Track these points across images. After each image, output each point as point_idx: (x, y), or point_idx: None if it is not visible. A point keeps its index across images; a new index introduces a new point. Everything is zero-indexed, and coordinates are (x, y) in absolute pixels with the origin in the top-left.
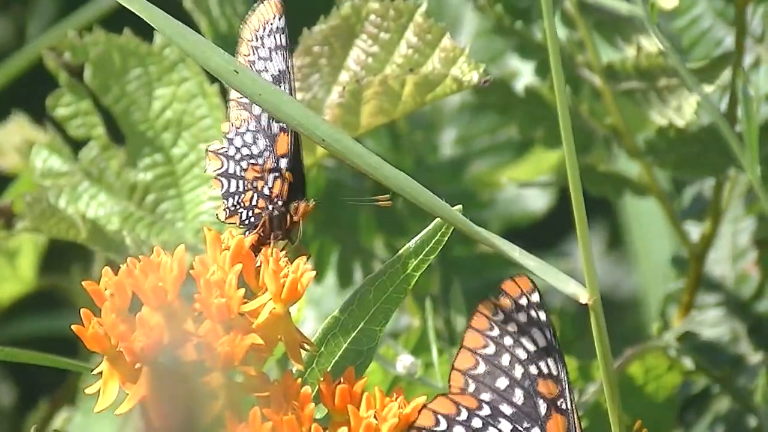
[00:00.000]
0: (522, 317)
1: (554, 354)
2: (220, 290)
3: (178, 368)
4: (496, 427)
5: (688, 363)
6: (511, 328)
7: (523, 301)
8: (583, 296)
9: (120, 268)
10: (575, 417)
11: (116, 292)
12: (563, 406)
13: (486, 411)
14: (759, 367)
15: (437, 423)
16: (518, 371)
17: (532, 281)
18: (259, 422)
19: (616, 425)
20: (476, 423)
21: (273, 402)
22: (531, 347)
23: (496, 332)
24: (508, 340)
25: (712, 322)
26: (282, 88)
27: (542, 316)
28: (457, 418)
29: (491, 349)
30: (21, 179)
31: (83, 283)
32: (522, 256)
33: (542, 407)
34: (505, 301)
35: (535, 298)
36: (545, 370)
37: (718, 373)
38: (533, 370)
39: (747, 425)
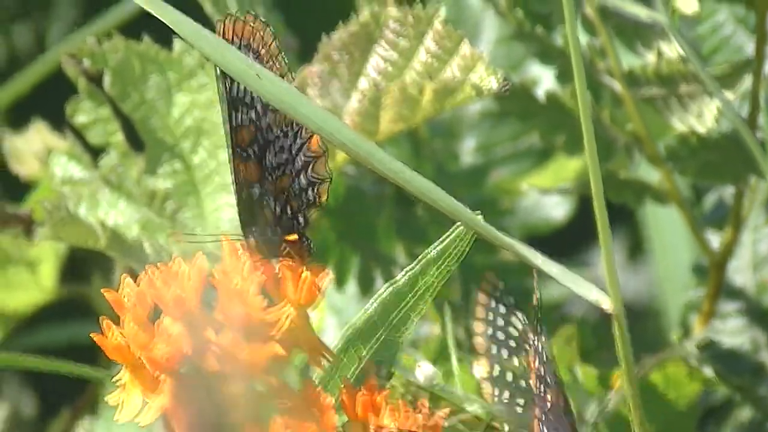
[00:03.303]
0: (501, 309)
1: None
2: (241, 299)
3: (199, 378)
4: None
5: (708, 372)
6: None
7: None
8: (606, 304)
9: (140, 276)
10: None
11: (137, 301)
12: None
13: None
14: None
15: None
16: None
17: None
18: (281, 431)
19: None
20: None
21: (294, 411)
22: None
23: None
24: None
25: (732, 331)
26: None
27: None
28: None
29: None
30: (40, 186)
31: (104, 292)
32: (544, 264)
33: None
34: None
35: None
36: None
37: (738, 382)
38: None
39: None
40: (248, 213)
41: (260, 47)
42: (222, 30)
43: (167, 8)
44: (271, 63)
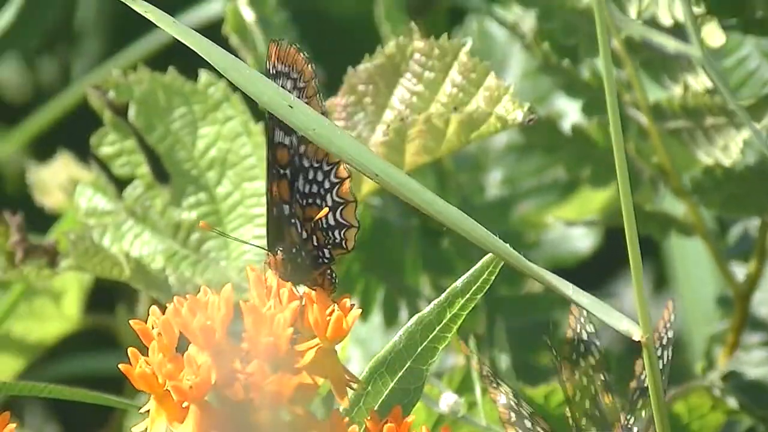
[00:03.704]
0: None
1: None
2: (268, 329)
3: (226, 407)
4: None
5: (732, 402)
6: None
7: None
8: (636, 334)
9: (165, 306)
10: None
11: (164, 331)
12: None
13: None
14: None
15: None
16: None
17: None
18: None
19: None
20: None
21: None
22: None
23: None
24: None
25: (757, 362)
26: None
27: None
28: None
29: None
30: (65, 218)
31: (131, 322)
32: (575, 294)
33: None
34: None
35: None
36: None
37: (762, 413)
38: None
39: None
40: (276, 230)
41: (297, 72)
42: (269, 53)
43: (199, 38)
44: (305, 86)
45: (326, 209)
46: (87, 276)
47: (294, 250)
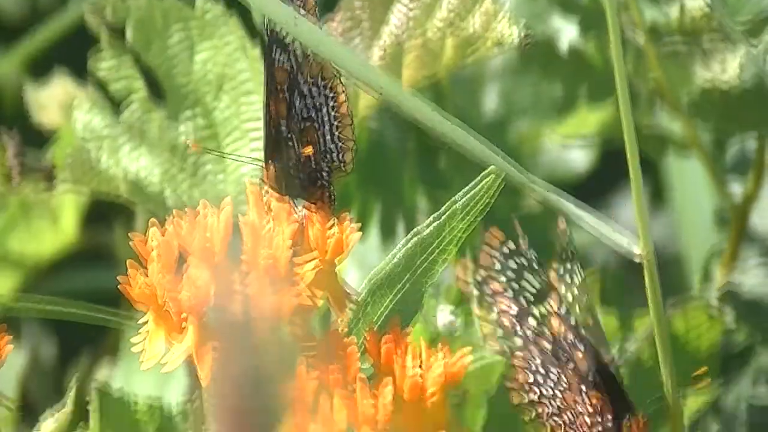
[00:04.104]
0: (512, 263)
1: (551, 294)
2: (269, 245)
3: (224, 325)
4: (550, 368)
5: (730, 318)
6: (511, 274)
7: (506, 250)
8: (637, 251)
9: (163, 224)
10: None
11: (162, 248)
12: (575, 341)
13: (536, 353)
14: None
15: (528, 377)
16: (535, 311)
17: (503, 232)
18: (306, 378)
19: (668, 379)
20: (541, 369)
21: (319, 358)
22: (531, 290)
23: (505, 277)
24: (515, 284)
25: (754, 279)
26: None
27: (524, 261)
28: (532, 367)
29: (510, 292)
30: (62, 136)
31: (130, 239)
32: (576, 211)
33: (565, 342)
34: (490, 252)
35: (512, 245)
36: (551, 310)
37: (760, 327)
38: (542, 310)
39: None
40: (272, 147)
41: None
42: None
43: None
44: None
45: (310, 148)
46: (84, 195)
47: (291, 170)
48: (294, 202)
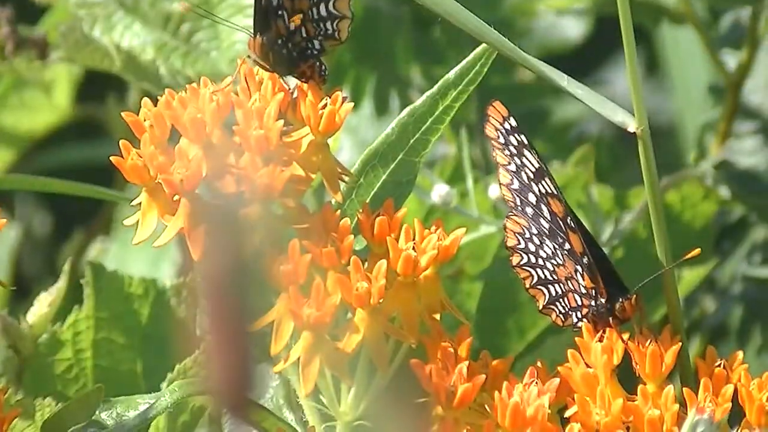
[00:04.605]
0: (513, 140)
1: (547, 175)
2: (259, 121)
3: (217, 200)
4: (545, 241)
5: (724, 191)
6: (513, 149)
7: (507, 126)
8: (631, 125)
9: (156, 98)
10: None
11: (155, 123)
12: (572, 224)
13: (534, 226)
14: None
15: (518, 242)
16: (535, 188)
17: (507, 107)
18: (299, 254)
19: (662, 253)
20: (535, 239)
21: (312, 234)
22: (531, 167)
23: (508, 152)
24: (517, 160)
25: (749, 151)
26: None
27: (524, 139)
28: (525, 235)
29: (513, 167)
30: (56, 9)
31: (123, 114)
32: (570, 85)
33: (562, 223)
34: (495, 125)
35: (513, 122)
36: (549, 190)
37: (754, 200)
38: (541, 189)
39: None
40: (262, 20)
41: None
42: None
43: None
44: None
45: (298, 18)
46: (77, 67)
47: (280, 41)
48: (283, 77)
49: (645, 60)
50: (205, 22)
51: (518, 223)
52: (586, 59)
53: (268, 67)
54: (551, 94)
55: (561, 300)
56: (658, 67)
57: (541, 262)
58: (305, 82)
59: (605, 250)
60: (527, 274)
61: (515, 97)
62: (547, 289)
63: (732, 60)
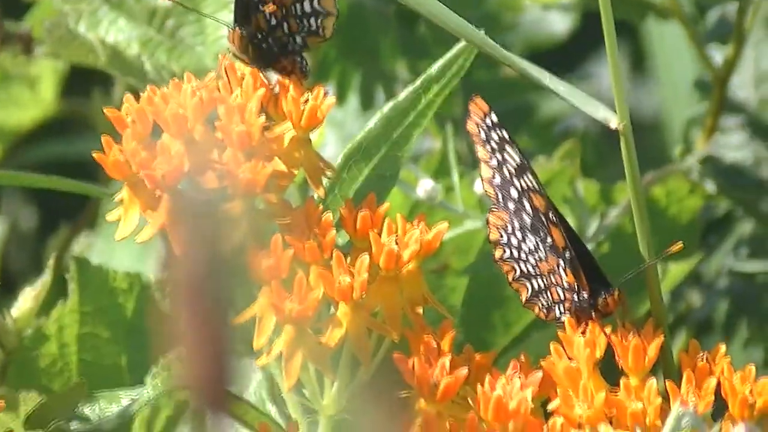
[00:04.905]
0: (495, 135)
1: (529, 170)
2: (241, 117)
3: (199, 196)
4: (528, 236)
5: (710, 186)
6: (494, 145)
7: (489, 122)
8: (613, 121)
9: (140, 94)
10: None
11: (137, 118)
12: (554, 219)
13: (516, 221)
14: None
15: (501, 236)
16: (517, 184)
17: (489, 103)
18: (281, 249)
19: (645, 248)
20: (518, 234)
21: (294, 229)
22: (512, 163)
23: (489, 147)
24: (498, 155)
25: (735, 146)
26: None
27: (505, 134)
28: (508, 229)
29: (494, 162)
30: (41, 5)
31: (105, 109)
32: (552, 81)
33: (543, 218)
34: (476, 120)
35: (494, 118)
36: (530, 185)
37: (740, 195)
38: (523, 184)
39: None
40: (242, 14)
41: None
42: None
43: None
44: None
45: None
46: (62, 63)
47: (260, 35)
48: (265, 72)
49: (631, 55)
50: (190, 17)
51: (501, 218)
52: (573, 54)
53: (247, 60)
54: (536, 89)
55: (544, 294)
56: (645, 61)
57: (523, 256)
58: (286, 77)
59: (591, 245)
60: (510, 268)
61: (500, 93)
62: (530, 283)
63: (718, 55)
